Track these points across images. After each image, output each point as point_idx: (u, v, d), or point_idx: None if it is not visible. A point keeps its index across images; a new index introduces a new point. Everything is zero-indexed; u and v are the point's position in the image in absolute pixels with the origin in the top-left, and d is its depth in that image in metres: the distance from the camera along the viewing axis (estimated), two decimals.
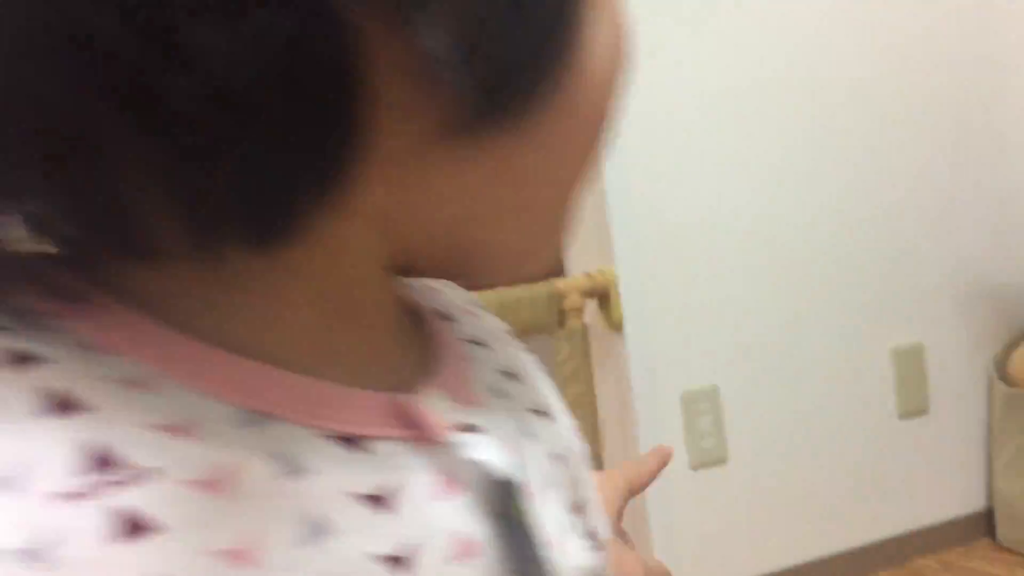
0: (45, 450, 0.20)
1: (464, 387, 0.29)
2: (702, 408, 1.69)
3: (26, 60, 0.20)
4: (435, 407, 0.27)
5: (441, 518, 0.26)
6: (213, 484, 0.22)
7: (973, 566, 1.82)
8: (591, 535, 0.34)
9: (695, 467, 1.69)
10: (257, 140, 0.21)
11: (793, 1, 1.77)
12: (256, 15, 0.20)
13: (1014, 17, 2.01)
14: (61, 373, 0.21)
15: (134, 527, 0.20)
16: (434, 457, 0.26)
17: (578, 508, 0.33)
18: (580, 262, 1.72)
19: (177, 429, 0.22)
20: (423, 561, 0.25)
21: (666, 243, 1.68)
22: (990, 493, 1.94)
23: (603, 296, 1.64)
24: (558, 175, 0.28)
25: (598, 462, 1.63)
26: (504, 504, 0.27)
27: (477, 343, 0.33)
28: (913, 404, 1.88)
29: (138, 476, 0.21)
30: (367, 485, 0.24)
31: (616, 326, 1.64)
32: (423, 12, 0.21)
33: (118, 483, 0.20)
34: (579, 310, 1.62)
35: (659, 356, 1.67)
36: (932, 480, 1.90)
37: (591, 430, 1.62)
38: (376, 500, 0.24)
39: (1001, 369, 1.91)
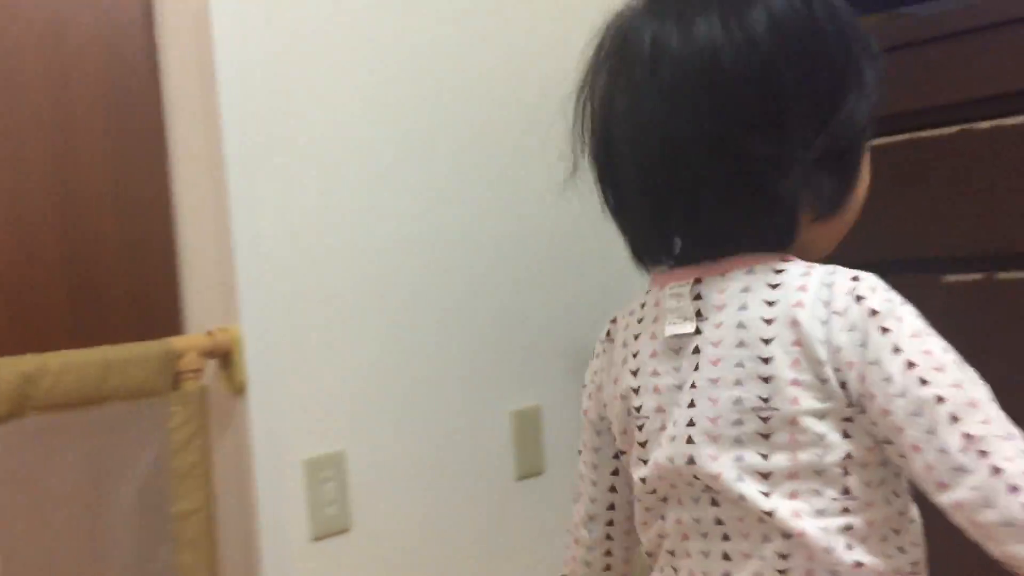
0: None
1: None
2: (326, 475, 1.63)
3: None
4: None
5: None
6: None
7: None
8: None
9: (317, 538, 1.62)
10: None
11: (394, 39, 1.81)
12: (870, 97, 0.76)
13: None
14: None
15: None
16: None
17: None
18: (201, 319, 1.60)
19: None
20: None
21: (294, 303, 1.61)
22: None
23: (225, 356, 1.53)
24: (845, 225, 0.83)
25: (212, 535, 1.51)
26: None
27: None
28: (530, 466, 1.96)
29: None
30: None
31: (238, 388, 1.53)
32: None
33: None
34: (197, 371, 1.50)
35: (283, 420, 1.58)
36: (546, 540, 1.99)
37: (205, 501, 1.49)
38: None
39: None
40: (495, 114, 1.93)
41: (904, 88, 1.23)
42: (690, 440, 0.73)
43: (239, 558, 1.58)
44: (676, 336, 0.75)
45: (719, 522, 0.73)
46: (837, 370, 0.69)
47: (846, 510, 0.70)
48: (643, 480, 0.80)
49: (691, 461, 0.73)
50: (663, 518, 0.79)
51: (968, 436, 0.65)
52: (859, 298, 0.71)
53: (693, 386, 0.74)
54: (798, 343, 0.70)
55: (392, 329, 1.74)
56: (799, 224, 0.76)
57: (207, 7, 1.52)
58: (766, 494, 0.70)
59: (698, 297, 0.77)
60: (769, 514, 0.69)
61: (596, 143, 0.81)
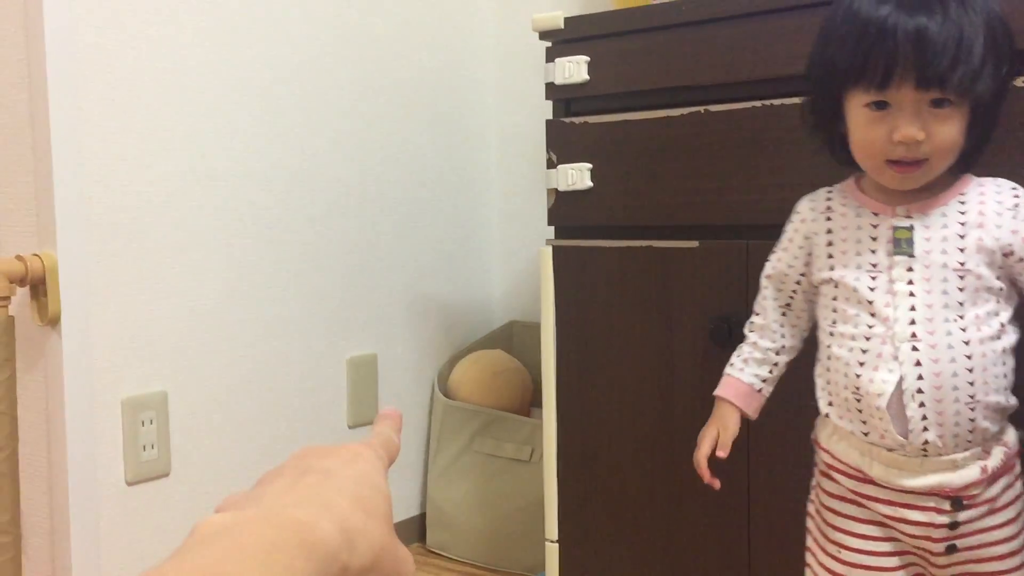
0: None
1: None
2: (146, 416, 1.53)
3: None
4: None
5: None
6: None
7: None
8: None
9: (133, 482, 1.52)
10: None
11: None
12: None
13: (483, 50, 2.18)
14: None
15: None
16: None
17: None
18: (11, 242, 1.46)
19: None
20: None
21: (119, 232, 1.50)
22: (424, 499, 2.06)
23: (37, 284, 1.41)
24: None
25: (14, 476, 1.39)
26: None
27: None
28: (364, 413, 1.92)
29: None
30: None
31: (51, 320, 1.42)
32: None
33: None
34: (5, 299, 1.37)
35: (100, 357, 1.48)
36: None
37: (8, 439, 1.38)
38: None
39: (443, 382, 2.04)
40: (349, 52, 1.86)
41: (754, 59, 1.26)
42: None
43: (45, 501, 1.47)
44: None
45: None
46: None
47: None
48: None
49: None
50: None
51: None
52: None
53: None
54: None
55: (228, 269, 1.66)
56: None
57: None
58: None
59: None
60: None
61: None
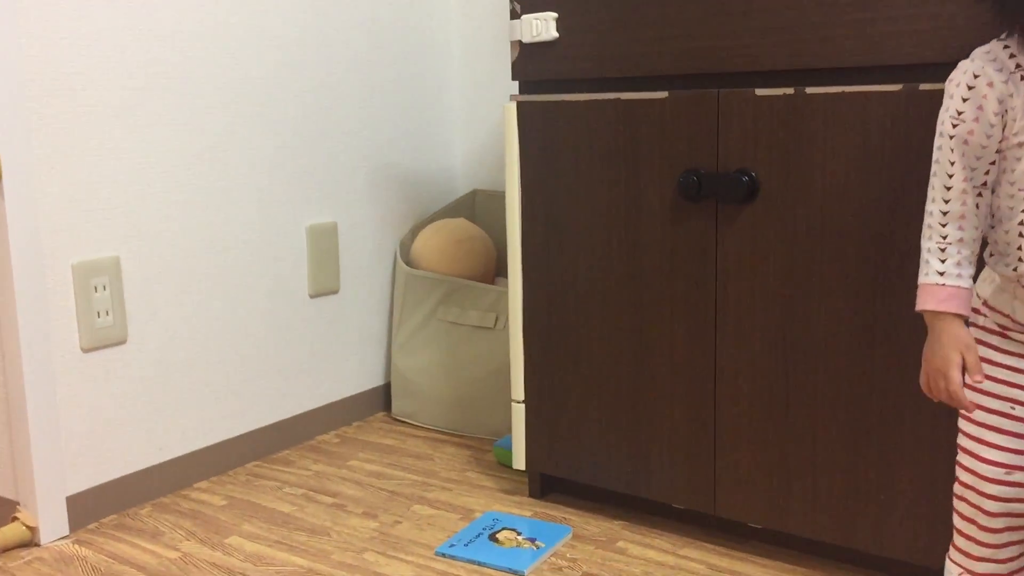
0: None
1: None
2: (99, 282, 1.49)
3: None
4: None
5: None
6: None
7: (367, 438, 1.90)
8: None
9: (88, 349, 1.49)
10: None
11: None
12: None
13: None
14: None
15: None
16: None
17: None
18: None
19: None
20: None
21: (65, 82, 1.42)
22: (389, 369, 2.05)
23: None
24: None
25: None
26: None
27: None
28: (325, 283, 1.89)
29: None
30: None
31: None
32: None
33: None
34: None
35: (47, 219, 1.42)
36: (340, 357, 1.94)
37: None
38: None
39: (405, 251, 2.01)
40: None
41: None
42: None
43: None
44: None
45: None
46: None
47: None
48: None
49: None
50: None
51: None
52: None
53: None
54: None
55: (178, 130, 1.58)
56: None
57: None
58: None
59: None
60: None
61: None
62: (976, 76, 0.93)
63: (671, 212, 1.31)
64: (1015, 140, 0.93)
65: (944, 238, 0.96)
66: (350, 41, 1.89)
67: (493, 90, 2.12)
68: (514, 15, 1.41)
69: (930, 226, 0.96)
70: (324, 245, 1.88)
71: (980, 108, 0.93)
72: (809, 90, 1.17)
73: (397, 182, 2.04)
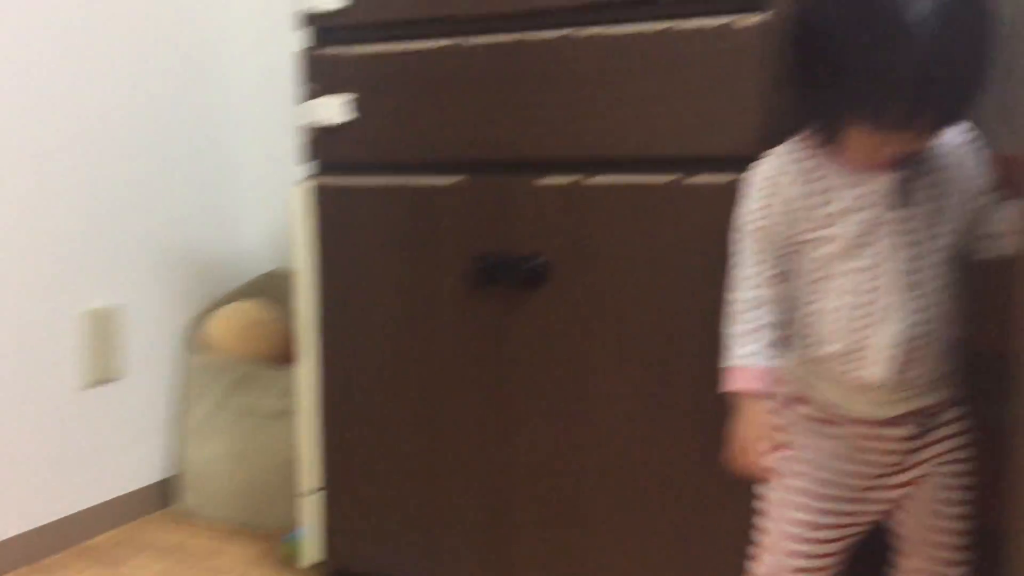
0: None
1: None
2: None
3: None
4: None
5: None
6: None
7: (148, 537, 1.77)
8: None
9: None
10: None
11: None
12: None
13: None
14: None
15: None
16: None
17: None
18: None
19: None
20: None
21: None
22: (176, 460, 1.93)
23: None
24: None
25: None
26: None
27: None
28: (103, 371, 1.76)
29: None
30: None
31: None
32: None
33: None
34: None
35: None
36: (120, 450, 1.81)
37: None
38: None
39: (195, 335, 1.92)
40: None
41: None
42: None
43: None
44: None
45: None
46: None
47: None
48: None
49: None
50: None
51: None
52: None
53: None
54: None
55: None
56: None
57: None
58: None
59: None
60: None
61: None
62: (778, 173, 1.01)
63: (464, 297, 1.32)
64: (806, 236, 1.00)
65: (748, 323, 1.02)
66: (135, 116, 1.81)
67: (291, 170, 2.09)
68: (305, 98, 1.40)
69: (735, 313, 1.03)
70: (103, 330, 1.76)
71: (784, 202, 1.00)
72: (591, 180, 1.22)
73: (188, 261, 1.95)
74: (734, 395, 1.03)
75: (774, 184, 1.01)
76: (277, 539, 1.74)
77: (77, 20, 1.68)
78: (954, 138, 1.01)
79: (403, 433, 1.38)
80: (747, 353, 1.02)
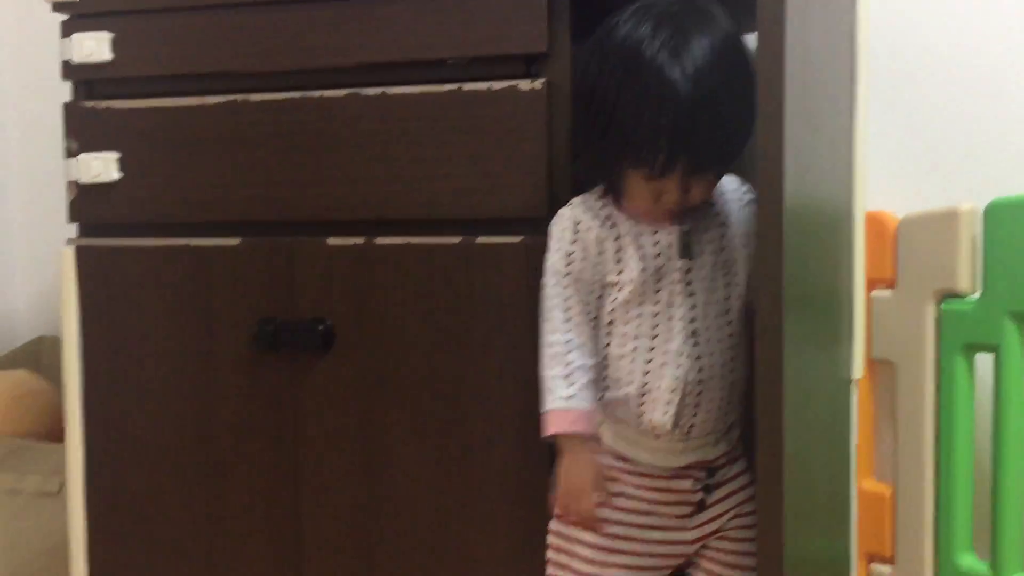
0: None
1: None
2: None
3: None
4: None
5: None
6: None
7: None
8: None
9: None
10: None
11: None
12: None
13: None
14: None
15: None
16: None
17: None
18: None
19: None
20: None
21: None
22: None
23: None
24: None
25: None
26: None
27: None
28: None
29: None
30: None
31: None
32: None
33: None
34: None
35: None
36: None
37: None
38: None
39: None
40: None
41: (292, 48, 1.21)
42: None
43: None
44: None
45: None
46: None
47: None
48: None
49: None
50: None
51: None
52: None
53: None
54: None
55: None
56: None
57: None
58: None
59: None
60: None
61: None
62: (578, 221, 1.07)
63: (247, 364, 1.25)
64: (604, 280, 1.06)
65: (568, 365, 1.04)
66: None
67: (62, 229, 1.94)
68: (70, 154, 1.30)
69: (553, 356, 1.05)
70: None
71: (585, 248, 1.06)
72: (378, 240, 1.19)
73: None
74: (561, 439, 1.05)
75: (575, 230, 1.07)
76: None
77: None
78: (736, 192, 1.09)
79: (181, 513, 1.29)
80: (566, 396, 1.04)
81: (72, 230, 1.35)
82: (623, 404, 1.06)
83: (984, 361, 1.15)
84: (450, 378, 1.18)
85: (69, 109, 1.30)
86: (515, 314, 1.14)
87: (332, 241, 1.21)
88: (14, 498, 1.65)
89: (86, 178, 1.29)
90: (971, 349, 1.13)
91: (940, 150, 1.45)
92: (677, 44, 0.96)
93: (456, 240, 1.16)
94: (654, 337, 1.05)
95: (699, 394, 1.04)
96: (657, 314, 1.04)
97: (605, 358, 1.07)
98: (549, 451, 1.12)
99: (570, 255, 1.06)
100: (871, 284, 1.24)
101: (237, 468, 1.26)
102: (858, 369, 1.17)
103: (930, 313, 1.17)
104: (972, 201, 1.14)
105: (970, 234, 1.13)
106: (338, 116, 1.20)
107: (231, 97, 1.23)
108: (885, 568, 1.24)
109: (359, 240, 1.20)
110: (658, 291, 1.05)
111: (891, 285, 1.23)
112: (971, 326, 1.12)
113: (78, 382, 1.33)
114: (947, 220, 1.14)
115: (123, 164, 1.28)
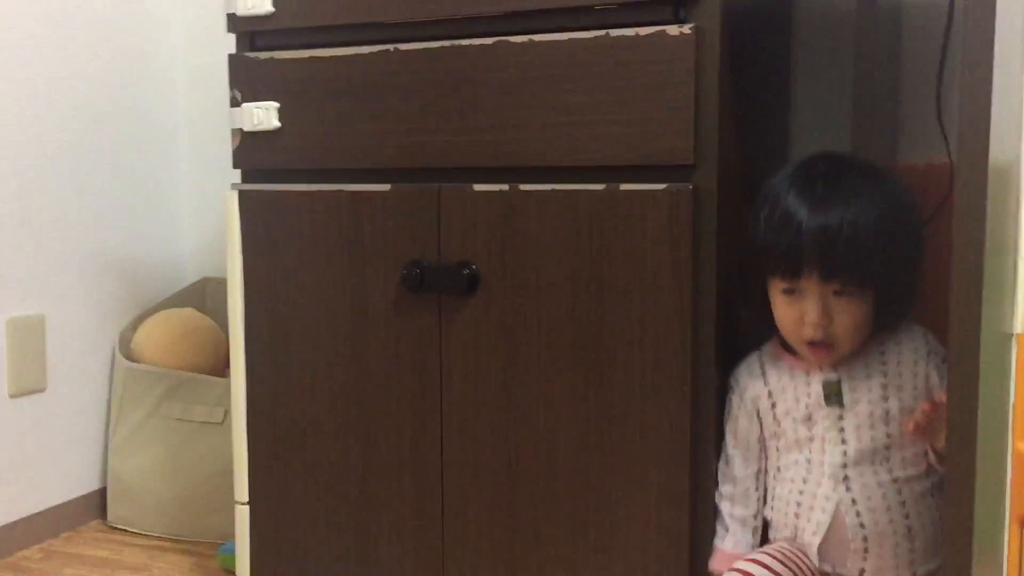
0: None
1: None
2: None
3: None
4: None
5: None
6: None
7: (77, 550, 1.73)
8: None
9: None
10: None
11: None
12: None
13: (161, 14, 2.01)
14: None
15: None
16: None
17: None
18: None
19: None
20: None
21: None
22: (104, 472, 1.88)
23: None
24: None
25: None
26: None
27: None
28: (28, 381, 1.72)
29: None
30: None
31: None
32: None
33: None
34: None
35: None
36: (46, 463, 1.76)
37: None
38: None
39: (125, 344, 1.87)
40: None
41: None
42: None
43: None
44: None
45: None
46: None
47: None
48: None
49: None
50: None
51: None
52: None
53: None
54: None
55: None
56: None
57: None
58: None
59: None
60: None
61: None
62: (738, 381, 1.17)
63: (395, 305, 1.30)
64: (767, 431, 1.15)
65: (729, 511, 1.17)
66: (63, 122, 1.77)
67: (225, 175, 2.05)
68: (234, 103, 1.37)
69: (720, 500, 1.17)
70: (27, 339, 1.71)
71: (739, 408, 1.16)
72: (523, 187, 1.21)
73: (117, 270, 1.91)
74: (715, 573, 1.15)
75: (742, 385, 1.17)
76: (210, 551, 1.71)
77: (8, 18, 1.64)
78: (918, 343, 1.11)
79: (336, 442, 1.36)
80: (724, 540, 1.16)
81: (236, 177, 1.42)
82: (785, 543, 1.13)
83: None
84: (591, 324, 1.19)
85: (233, 60, 1.37)
86: (657, 262, 1.14)
87: (478, 187, 1.24)
88: (183, 426, 1.78)
89: (249, 126, 1.36)
90: None
91: None
92: (814, 179, 1.08)
93: (600, 187, 1.17)
94: (805, 481, 1.11)
95: (864, 539, 1.07)
96: (810, 460, 1.10)
97: (773, 501, 1.15)
98: (689, 396, 1.12)
99: (730, 413, 1.17)
100: None
101: (386, 402, 1.32)
102: (1020, 323, 1.12)
103: None
104: None
105: None
106: (485, 64, 1.22)
107: (383, 47, 1.27)
108: None
109: (504, 187, 1.22)
110: (812, 439, 1.10)
111: None
112: None
113: (240, 320, 1.41)
114: None
115: (283, 113, 1.34)
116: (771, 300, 1.11)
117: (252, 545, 1.44)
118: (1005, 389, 1.13)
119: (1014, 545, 1.15)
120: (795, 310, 1.08)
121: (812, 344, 1.08)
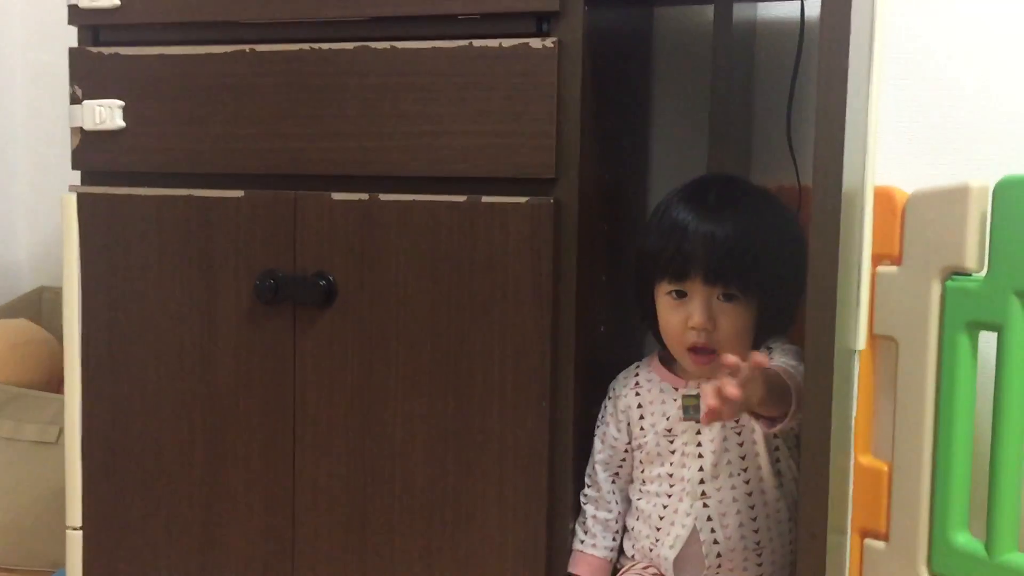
0: None
1: None
2: None
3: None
4: None
5: None
6: None
7: None
8: None
9: None
10: None
11: None
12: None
13: None
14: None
15: None
16: None
17: None
18: None
19: None
20: None
21: None
22: None
23: None
24: None
25: None
26: None
27: None
28: None
29: None
30: None
31: None
32: None
33: None
34: None
35: None
36: None
37: None
38: None
39: None
40: None
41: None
42: None
43: None
44: None
45: None
46: None
47: None
48: None
49: None
50: None
51: None
52: None
53: None
54: None
55: None
56: None
57: None
58: None
59: None
60: None
61: None
62: (614, 389, 1.19)
63: (247, 317, 1.25)
64: (634, 443, 1.17)
65: (590, 515, 1.18)
66: None
67: (66, 177, 1.93)
68: (75, 100, 1.29)
69: (583, 503, 1.19)
70: None
71: (611, 415, 1.18)
72: (383, 197, 1.18)
73: None
74: None
75: (617, 394, 1.19)
76: None
77: None
78: (781, 359, 1.10)
79: (177, 463, 1.29)
80: (583, 541, 1.17)
81: (75, 179, 1.34)
82: (643, 558, 1.15)
83: (985, 340, 1.14)
84: (451, 338, 1.17)
85: (74, 54, 1.29)
86: (518, 275, 1.13)
87: (336, 196, 1.20)
88: (12, 446, 1.65)
89: (90, 125, 1.28)
90: (975, 327, 1.12)
91: (950, 126, 1.44)
92: (704, 192, 1.13)
93: (462, 199, 1.15)
94: (669, 496, 1.12)
95: (718, 555, 1.09)
96: (672, 475, 1.12)
97: (636, 513, 1.16)
98: (547, 412, 1.12)
99: (608, 416, 1.19)
100: (876, 260, 1.23)
101: (235, 419, 1.26)
102: (862, 340, 1.17)
103: (935, 290, 1.15)
104: (982, 178, 1.12)
105: (979, 211, 1.11)
106: (346, 69, 1.19)
107: (238, 47, 1.22)
108: (879, 544, 1.24)
109: (364, 196, 1.19)
110: (673, 452, 1.12)
111: (897, 261, 1.22)
112: (976, 304, 1.11)
113: (77, 332, 1.32)
114: (956, 197, 1.13)
115: (128, 112, 1.27)
116: (657, 308, 1.13)
117: (84, 574, 1.34)
118: (849, 404, 1.18)
119: (855, 555, 1.20)
120: (680, 313, 1.09)
121: (694, 350, 1.09)
